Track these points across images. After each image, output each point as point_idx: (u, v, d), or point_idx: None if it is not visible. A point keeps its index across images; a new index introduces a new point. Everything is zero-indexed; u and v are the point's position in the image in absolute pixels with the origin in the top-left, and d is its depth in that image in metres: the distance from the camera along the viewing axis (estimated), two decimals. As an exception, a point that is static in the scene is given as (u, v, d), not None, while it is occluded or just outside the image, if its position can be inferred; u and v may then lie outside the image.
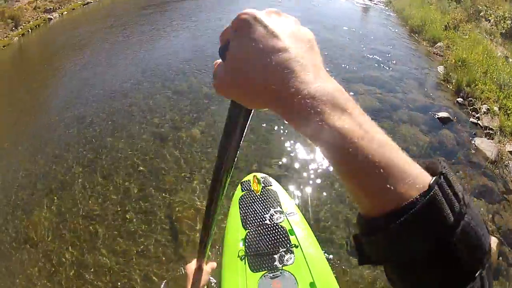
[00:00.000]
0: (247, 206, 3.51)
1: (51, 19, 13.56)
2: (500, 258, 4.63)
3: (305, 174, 5.59)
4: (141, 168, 5.62)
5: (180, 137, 6.22)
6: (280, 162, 5.83)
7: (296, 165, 5.77)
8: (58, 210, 5.06)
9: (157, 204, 5.02)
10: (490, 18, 13.63)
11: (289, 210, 3.48)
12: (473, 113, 7.65)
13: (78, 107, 7.46)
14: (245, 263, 2.97)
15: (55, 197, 5.26)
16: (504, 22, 12.64)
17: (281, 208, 3.46)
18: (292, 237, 3.15)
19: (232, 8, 13.82)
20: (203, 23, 12.37)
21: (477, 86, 8.26)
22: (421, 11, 13.64)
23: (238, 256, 3.03)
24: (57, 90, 8.64)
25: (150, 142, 6.16)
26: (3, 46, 11.31)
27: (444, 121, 7.16)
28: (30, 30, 12.58)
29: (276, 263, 2.93)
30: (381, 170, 0.41)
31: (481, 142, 6.66)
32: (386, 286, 4.00)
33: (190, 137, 6.19)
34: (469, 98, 8.06)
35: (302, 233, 3.24)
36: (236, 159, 0.71)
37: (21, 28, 12.46)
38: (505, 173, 6.11)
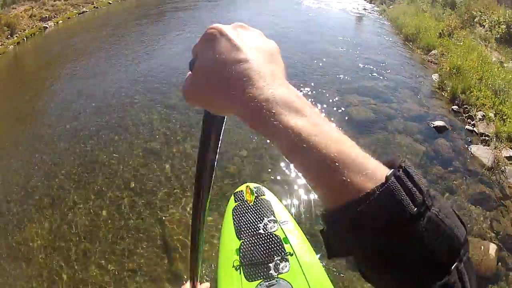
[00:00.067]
0: (240, 216, 3.51)
1: (47, 27, 13.67)
2: (499, 263, 4.59)
3: (298, 182, 5.55)
4: (133, 184, 5.57)
5: (171, 152, 6.19)
6: (273, 171, 5.81)
7: (289, 174, 5.74)
8: (50, 226, 5.00)
9: (149, 221, 4.97)
10: (484, 23, 13.63)
11: (282, 218, 3.47)
12: (468, 120, 7.62)
13: (70, 120, 7.43)
14: (240, 273, 2.96)
15: (47, 213, 5.20)
16: (499, 27, 12.63)
17: (274, 217, 3.46)
18: (286, 245, 3.14)
19: (226, 19, 13.85)
20: (197, 34, 12.28)
21: (472, 93, 8.23)
22: (415, 19, 13.67)
23: (233, 266, 3.03)
24: (50, 100, 8.61)
25: (141, 157, 6.13)
26: (-1, 54, 11.30)
27: (439, 129, 7.13)
28: (25, 39, 12.65)
29: (272, 271, 2.92)
30: (337, 164, 0.44)
31: (477, 149, 6.62)
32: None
33: (181, 153, 6.16)
34: (464, 105, 8.04)
35: (296, 241, 3.23)
36: (215, 169, 0.75)
37: (16, 36, 12.55)
38: (502, 179, 6.06)
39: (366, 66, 10.06)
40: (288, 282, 2.84)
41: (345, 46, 11.67)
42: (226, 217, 3.63)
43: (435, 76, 9.56)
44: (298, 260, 3.01)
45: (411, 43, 12.43)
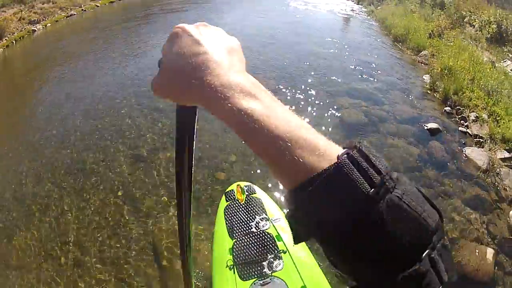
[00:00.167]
0: (232, 215, 3.49)
1: (35, 30, 13.64)
2: (497, 268, 4.52)
3: None
4: (120, 192, 5.38)
5: (158, 159, 5.98)
6: (263, 170, 5.70)
7: None
8: (39, 235, 4.82)
9: (137, 230, 4.78)
10: (474, 23, 13.61)
11: (275, 216, 3.46)
12: (461, 121, 7.49)
13: (58, 125, 7.24)
14: (234, 272, 2.93)
15: (36, 221, 5.02)
16: (490, 26, 12.60)
17: (266, 215, 3.44)
18: (279, 243, 3.12)
19: (213, 22, 13.73)
20: None
21: (464, 94, 8.10)
22: (404, 19, 13.59)
23: (227, 266, 3.00)
24: (39, 104, 8.43)
25: (129, 164, 5.93)
26: (-12, 58, 11.34)
27: (433, 132, 6.97)
28: (14, 42, 12.64)
29: (265, 270, 2.90)
30: (288, 144, 0.46)
31: (472, 152, 6.47)
32: None
33: (168, 158, 5.94)
34: (457, 107, 7.91)
35: (289, 238, 3.14)
36: (193, 165, 0.76)
37: (6, 39, 12.53)
38: (497, 181, 5.96)
39: (356, 67, 9.94)
40: (282, 280, 2.82)
41: (334, 48, 11.54)
42: (218, 217, 3.62)
43: (426, 77, 9.44)
44: (291, 257, 2.99)
45: (400, 44, 12.34)
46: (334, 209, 0.42)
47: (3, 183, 5.85)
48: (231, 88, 0.51)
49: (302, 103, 7.65)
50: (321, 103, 7.75)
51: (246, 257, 3.04)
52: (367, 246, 0.42)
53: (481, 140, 6.84)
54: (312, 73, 9.34)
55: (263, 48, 11.04)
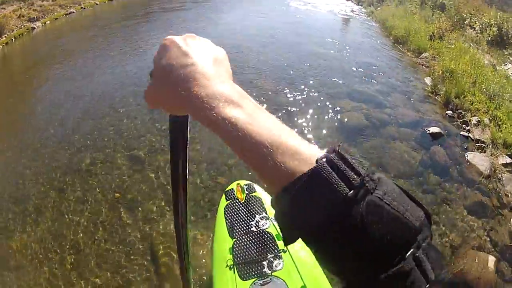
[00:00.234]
0: (232, 215, 3.47)
1: (34, 28, 13.60)
2: (498, 276, 4.48)
3: None
4: (118, 194, 5.31)
5: (157, 161, 5.91)
6: None
7: None
8: (35, 236, 4.75)
9: (136, 234, 4.71)
10: (475, 25, 13.57)
11: None
12: (463, 125, 7.45)
13: (56, 124, 7.15)
14: (234, 272, 2.92)
15: (32, 222, 4.95)
16: (490, 29, 12.56)
17: (266, 213, 3.43)
18: (279, 242, 3.11)
19: (212, 21, 13.70)
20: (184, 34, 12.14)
21: (466, 98, 8.06)
22: (405, 21, 13.53)
23: (227, 265, 2.99)
24: (38, 102, 8.37)
25: (127, 166, 5.84)
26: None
27: (435, 136, 6.91)
28: (13, 39, 12.62)
29: (265, 269, 2.89)
30: (270, 150, 0.47)
31: (474, 157, 6.43)
32: None
33: (166, 161, 5.82)
34: (459, 110, 7.86)
35: None
36: (188, 169, 0.79)
37: (5, 36, 12.50)
38: (499, 187, 5.92)
39: (356, 69, 9.88)
40: (282, 279, 2.81)
41: (334, 48, 11.49)
42: (218, 216, 3.59)
43: (427, 80, 9.38)
44: (291, 257, 2.97)
45: (401, 45, 12.28)
46: (314, 211, 0.44)
47: (0, 182, 5.78)
48: (216, 98, 0.53)
49: (303, 105, 7.60)
50: (323, 105, 7.69)
51: (246, 256, 3.03)
52: (349, 246, 0.43)
53: (483, 145, 6.80)
54: (313, 74, 9.28)
55: (263, 48, 10.99)
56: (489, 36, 12.48)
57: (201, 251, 4.35)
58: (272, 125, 0.51)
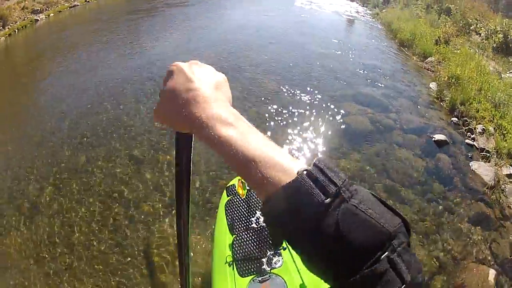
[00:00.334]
0: (233, 211, 3.50)
1: (38, 20, 13.61)
2: None
3: None
4: (116, 194, 5.23)
5: (157, 161, 5.83)
6: None
7: None
8: (30, 235, 4.68)
9: (133, 236, 4.63)
10: (480, 31, 13.51)
11: None
12: (468, 133, 7.38)
13: (55, 118, 7.11)
14: (233, 268, 2.95)
15: (27, 222, 4.88)
16: (496, 36, 12.50)
17: None
18: None
19: (217, 18, 13.63)
20: (187, 31, 12.18)
21: (471, 105, 8.00)
22: (410, 24, 13.44)
23: (226, 262, 3.02)
24: (40, 95, 8.33)
25: (126, 165, 5.77)
26: (-10, 46, 11.21)
27: (440, 144, 6.85)
28: (17, 31, 12.62)
29: (265, 266, 2.92)
30: (258, 164, 0.54)
31: (479, 167, 6.37)
32: None
33: (167, 162, 5.78)
34: (464, 118, 7.81)
35: None
36: (191, 181, 0.84)
37: (8, 28, 12.50)
38: (502, 198, 5.86)
39: (362, 71, 9.82)
40: (281, 277, 2.83)
41: (339, 49, 11.43)
42: (219, 212, 3.64)
43: (432, 85, 9.32)
44: (291, 254, 2.98)
45: (406, 48, 12.23)
46: (294, 216, 0.50)
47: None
48: (213, 119, 0.60)
49: (308, 106, 7.54)
50: (327, 107, 7.63)
51: (246, 253, 3.05)
52: (326, 248, 0.48)
53: (487, 154, 6.74)
54: (317, 75, 9.24)
55: (267, 47, 10.97)
56: (495, 42, 12.41)
57: (201, 246, 4.32)
58: (261, 143, 0.58)
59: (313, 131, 6.78)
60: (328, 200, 0.49)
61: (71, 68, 9.40)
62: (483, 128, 7.40)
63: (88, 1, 16.22)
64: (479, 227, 5.25)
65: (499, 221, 5.44)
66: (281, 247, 2.96)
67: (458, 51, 11.13)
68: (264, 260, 2.94)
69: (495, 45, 12.34)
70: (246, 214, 3.40)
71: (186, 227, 0.96)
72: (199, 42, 11.03)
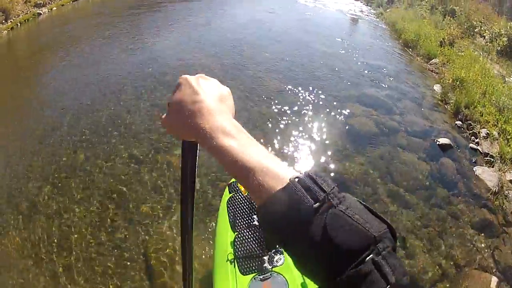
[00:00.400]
0: (235, 208, 3.48)
1: (40, 14, 13.45)
2: None
3: (294, 166, 5.67)
4: (115, 195, 5.12)
5: (157, 161, 5.72)
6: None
7: (285, 159, 5.76)
8: (29, 235, 4.57)
9: (131, 239, 4.52)
10: (485, 34, 13.46)
11: None
12: (472, 137, 7.36)
13: (55, 114, 7.00)
14: (234, 266, 2.94)
15: (25, 222, 4.75)
16: (500, 39, 12.45)
17: None
18: None
19: (221, 15, 13.56)
20: (192, 27, 12.10)
21: (476, 109, 7.98)
22: (415, 25, 13.40)
23: (227, 259, 3.01)
24: (40, 90, 8.21)
25: (125, 165, 5.65)
26: (-8, 39, 11.16)
27: (444, 148, 6.81)
28: (19, 24, 12.47)
29: (266, 264, 2.90)
30: (256, 173, 0.58)
31: (482, 172, 6.34)
32: None
33: (167, 162, 5.68)
34: (468, 121, 7.77)
35: None
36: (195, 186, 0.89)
37: (11, 21, 12.34)
38: (505, 204, 5.82)
39: (366, 71, 9.79)
40: (283, 275, 2.82)
41: (343, 49, 11.39)
42: (221, 209, 3.62)
43: (437, 87, 9.29)
44: None
45: (410, 49, 12.19)
46: (285, 220, 0.53)
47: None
48: (217, 130, 0.65)
49: (311, 107, 7.49)
50: (331, 108, 7.58)
51: (247, 251, 3.03)
52: (314, 250, 0.51)
53: (491, 159, 6.72)
54: (321, 74, 9.20)
55: (270, 45, 10.93)
56: (499, 46, 12.35)
57: (202, 244, 4.29)
58: (259, 154, 0.62)
59: (316, 132, 6.74)
60: (316, 205, 0.52)
61: (73, 62, 9.30)
62: (487, 133, 7.38)
63: (91, -6, 16.07)
64: (482, 233, 5.22)
65: (502, 227, 5.41)
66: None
67: (463, 54, 11.08)
68: (265, 258, 2.93)
69: (499, 48, 12.28)
70: (248, 212, 3.38)
71: (190, 233, 1.00)
72: (201, 39, 10.94)
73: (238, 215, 3.37)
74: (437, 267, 4.60)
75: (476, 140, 7.26)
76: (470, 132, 7.51)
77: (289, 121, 6.91)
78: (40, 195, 5.15)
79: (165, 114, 0.75)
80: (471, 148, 7.05)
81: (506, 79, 10.11)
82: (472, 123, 7.69)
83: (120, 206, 5.00)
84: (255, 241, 3.08)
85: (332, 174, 5.78)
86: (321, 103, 7.73)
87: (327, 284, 0.51)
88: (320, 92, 8.11)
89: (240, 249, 3.04)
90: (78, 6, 14.97)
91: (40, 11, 13.38)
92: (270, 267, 2.86)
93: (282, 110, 7.19)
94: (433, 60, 10.98)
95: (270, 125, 6.73)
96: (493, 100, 8.31)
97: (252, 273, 2.85)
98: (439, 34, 12.58)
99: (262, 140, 6.15)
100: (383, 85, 9.09)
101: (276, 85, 8.24)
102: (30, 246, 4.47)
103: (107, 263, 4.25)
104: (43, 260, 4.29)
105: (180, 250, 1.10)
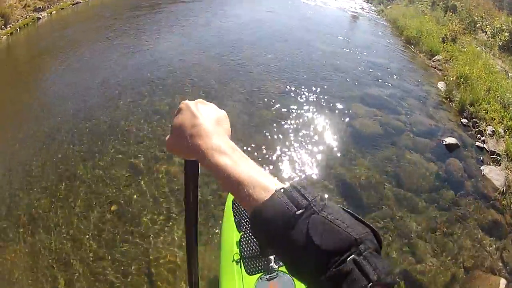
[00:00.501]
0: (240, 207, 3.46)
1: (40, 18, 13.26)
2: None
3: (298, 170, 5.69)
4: (114, 207, 4.97)
5: (157, 171, 5.55)
6: (273, 159, 5.85)
7: (289, 163, 5.83)
8: (30, 248, 4.45)
9: (131, 252, 4.38)
10: (486, 29, 13.38)
11: None
12: (478, 135, 7.30)
13: (54, 120, 6.85)
14: (240, 266, 2.95)
15: (25, 234, 4.63)
16: (502, 34, 12.37)
17: None
18: None
19: (222, 15, 13.49)
20: (192, 28, 12.03)
21: (481, 106, 7.91)
22: (416, 21, 13.33)
23: (233, 260, 3.02)
24: (39, 95, 8.08)
25: (125, 176, 5.48)
26: (-9, 45, 11.14)
27: (450, 147, 6.74)
28: (18, 29, 12.31)
29: (272, 264, 2.90)
30: (247, 186, 0.63)
31: (490, 171, 6.28)
32: None
33: (168, 173, 5.53)
34: (474, 119, 7.72)
35: None
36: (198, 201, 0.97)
37: (10, 26, 12.19)
38: (513, 204, 5.76)
39: (369, 70, 9.71)
40: (289, 275, 2.63)
41: (345, 47, 11.35)
42: (226, 209, 3.63)
43: (440, 84, 9.23)
44: None
45: (413, 46, 12.15)
46: (272, 226, 0.58)
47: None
48: (213, 149, 0.70)
49: (314, 108, 7.39)
50: (334, 109, 7.50)
51: (253, 250, 3.04)
52: (297, 253, 0.56)
53: (498, 157, 6.67)
54: (324, 74, 9.10)
55: (271, 45, 10.85)
56: (501, 41, 12.28)
57: (208, 244, 4.28)
58: (249, 169, 0.67)
59: (319, 135, 6.63)
60: (299, 212, 0.56)
61: (73, 66, 9.20)
62: (493, 130, 7.33)
63: (91, -2, 15.97)
64: (490, 234, 5.18)
65: (510, 227, 5.37)
66: None
67: (465, 50, 11.01)
68: (271, 258, 2.93)
69: (501, 44, 12.22)
70: None
71: (195, 245, 1.07)
72: (201, 40, 10.85)
73: (244, 215, 3.38)
74: (446, 270, 4.55)
75: (482, 138, 7.21)
76: (476, 130, 7.45)
77: (291, 123, 6.82)
78: (39, 208, 5.01)
79: (168, 136, 0.81)
80: (478, 146, 7.00)
81: (510, 74, 10.04)
82: (477, 121, 7.64)
83: (120, 217, 4.87)
84: None
85: (336, 179, 5.71)
86: (323, 103, 7.64)
87: (311, 284, 0.55)
88: (322, 92, 8.03)
89: (246, 249, 3.06)
90: (78, 10, 14.84)
91: (40, 16, 13.24)
92: (276, 266, 2.87)
93: (284, 111, 7.11)
94: (436, 57, 10.92)
95: (271, 127, 6.62)
96: (497, 97, 8.25)
97: (258, 273, 2.87)
98: (441, 30, 12.53)
99: (263, 144, 6.14)
100: (387, 83, 9.02)
101: (277, 85, 8.15)
102: (29, 259, 4.37)
103: (108, 276, 4.16)
104: (39, 273, 4.20)
105: (185, 255, 1.14)
